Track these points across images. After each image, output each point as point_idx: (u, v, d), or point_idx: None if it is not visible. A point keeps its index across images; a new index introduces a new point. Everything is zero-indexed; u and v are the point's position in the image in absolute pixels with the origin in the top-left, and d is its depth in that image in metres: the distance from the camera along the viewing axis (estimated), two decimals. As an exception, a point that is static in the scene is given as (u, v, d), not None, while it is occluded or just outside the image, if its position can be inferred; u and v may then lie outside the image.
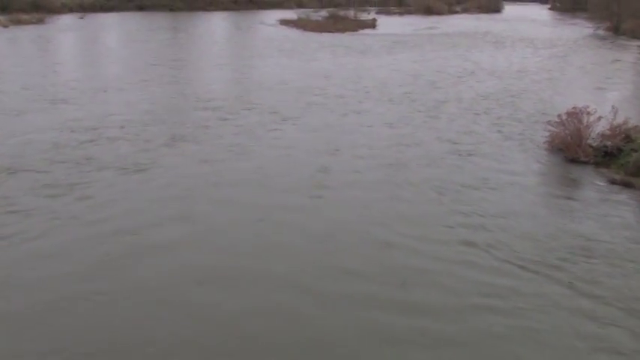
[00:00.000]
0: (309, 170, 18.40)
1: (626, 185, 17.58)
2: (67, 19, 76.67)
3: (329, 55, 48.65)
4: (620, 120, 20.41)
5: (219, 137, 22.27)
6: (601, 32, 77.64)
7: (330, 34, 67.67)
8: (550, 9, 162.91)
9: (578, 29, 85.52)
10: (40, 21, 70.60)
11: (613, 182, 17.90)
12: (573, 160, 19.82)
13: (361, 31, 73.22)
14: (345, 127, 24.14)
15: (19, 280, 11.38)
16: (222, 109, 27.07)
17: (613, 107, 20.98)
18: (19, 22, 66.76)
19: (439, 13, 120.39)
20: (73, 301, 10.68)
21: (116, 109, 26.65)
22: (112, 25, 72.84)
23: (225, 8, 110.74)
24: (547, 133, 21.66)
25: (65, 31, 63.56)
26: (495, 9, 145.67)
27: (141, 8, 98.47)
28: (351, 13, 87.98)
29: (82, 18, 77.97)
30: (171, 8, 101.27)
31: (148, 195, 16.03)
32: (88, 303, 10.62)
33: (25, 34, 57.72)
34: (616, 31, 76.81)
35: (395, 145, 21.80)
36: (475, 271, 12.20)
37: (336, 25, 74.38)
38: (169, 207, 15.17)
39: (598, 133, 20.49)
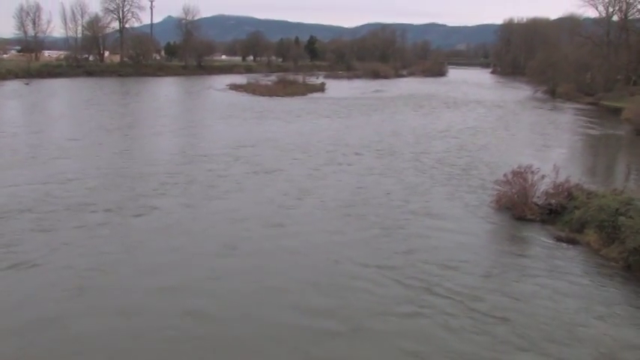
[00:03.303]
0: (274, 207, 21.03)
1: (571, 242, 17.94)
2: (13, 85, 75.28)
3: (297, 118, 49.41)
4: (562, 178, 21.02)
5: (203, 185, 23.80)
6: (540, 95, 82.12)
7: (280, 98, 68.43)
8: (492, 72, 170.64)
9: (520, 92, 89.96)
10: (-17, 87, 69.14)
11: (559, 239, 18.24)
12: (520, 218, 20.17)
13: (310, 95, 74.45)
14: (321, 176, 26.26)
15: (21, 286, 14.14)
16: (207, 162, 28.32)
17: (555, 166, 21.63)
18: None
19: (386, 76, 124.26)
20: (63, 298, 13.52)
21: (103, 162, 27.54)
22: (65, 90, 72.06)
23: (174, 73, 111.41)
24: (495, 192, 21.97)
25: (16, 97, 61.96)
26: (440, 73, 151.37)
27: (90, 74, 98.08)
28: (300, 77, 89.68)
29: (27, 84, 76.76)
30: (120, 74, 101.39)
31: (136, 227, 18.60)
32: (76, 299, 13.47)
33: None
34: (553, 94, 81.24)
35: (357, 188, 23.97)
36: (386, 279, 15.02)
37: (286, 89, 75.36)
38: (154, 234, 17.96)
39: (542, 192, 20.98)
